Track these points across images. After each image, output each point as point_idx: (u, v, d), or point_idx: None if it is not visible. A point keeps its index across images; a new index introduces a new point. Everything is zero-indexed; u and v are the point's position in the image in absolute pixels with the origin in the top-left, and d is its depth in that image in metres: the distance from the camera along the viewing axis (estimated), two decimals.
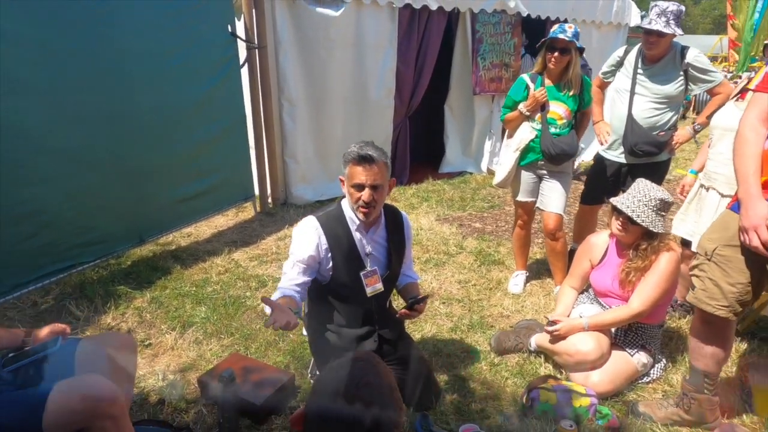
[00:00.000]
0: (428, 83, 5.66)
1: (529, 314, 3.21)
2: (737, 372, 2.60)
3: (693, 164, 3.20)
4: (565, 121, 3.15)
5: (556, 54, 3.02)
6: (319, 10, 4.61)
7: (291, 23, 4.56)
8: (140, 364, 2.50)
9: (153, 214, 3.70)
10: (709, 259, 1.99)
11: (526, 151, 3.22)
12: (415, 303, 2.12)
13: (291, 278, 2.01)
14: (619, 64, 3.38)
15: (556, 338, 2.55)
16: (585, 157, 6.91)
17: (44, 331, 1.83)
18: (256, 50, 4.38)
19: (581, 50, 3.09)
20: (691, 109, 11.30)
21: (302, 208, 4.91)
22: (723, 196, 2.71)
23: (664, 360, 2.65)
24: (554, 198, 3.25)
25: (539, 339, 2.69)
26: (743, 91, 2.76)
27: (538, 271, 3.81)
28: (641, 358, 2.53)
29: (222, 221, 4.56)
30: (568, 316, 2.66)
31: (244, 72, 4.38)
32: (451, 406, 2.35)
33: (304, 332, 2.40)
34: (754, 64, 11.38)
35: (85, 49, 3.05)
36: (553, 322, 2.56)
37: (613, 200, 2.53)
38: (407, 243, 2.30)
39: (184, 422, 2.19)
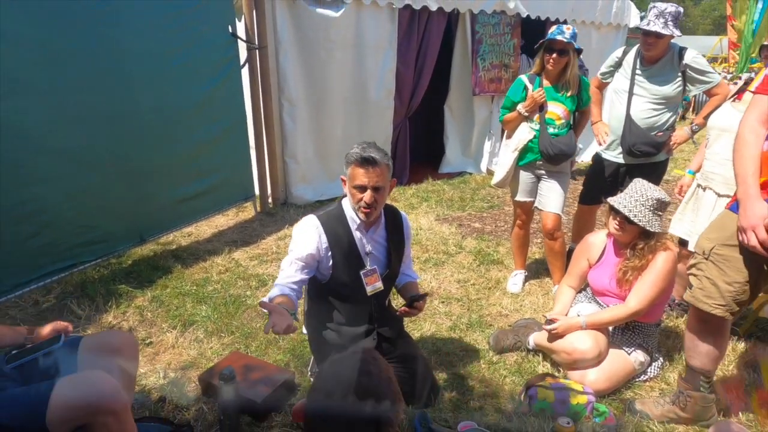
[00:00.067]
0: (428, 84, 5.68)
1: (528, 313, 3.23)
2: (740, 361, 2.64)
3: (690, 164, 3.22)
4: (563, 121, 3.17)
5: (554, 55, 3.04)
6: (320, 10, 4.63)
7: (291, 24, 4.58)
8: (141, 362, 2.51)
9: (154, 214, 3.72)
10: (706, 258, 2.01)
11: (524, 151, 3.24)
12: (415, 300, 2.15)
13: (288, 275, 2.03)
14: (618, 65, 3.40)
15: (554, 337, 2.56)
16: (584, 158, 6.92)
17: (47, 329, 1.85)
18: (257, 51, 4.40)
19: (579, 51, 3.11)
20: (691, 109, 11.31)
21: (302, 208, 4.93)
22: (719, 195, 2.73)
23: (661, 359, 2.67)
24: (552, 198, 3.27)
25: (537, 337, 2.71)
26: (740, 92, 2.78)
27: (537, 270, 3.83)
28: (638, 356, 2.54)
29: (222, 221, 4.58)
30: (566, 314, 2.68)
31: (245, 72, 4.40)
32: (450, 404, 2.37)
33: (304, 330, 2.42)
34: (754, 65, 11.39)
35: (86, 49, 3.07)
36: (551, 321, 2.58)
37: (611, 200, 2.54)
38: (406, 242, 2.32)
39: (185, 420, 2.21)
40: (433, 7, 5.27)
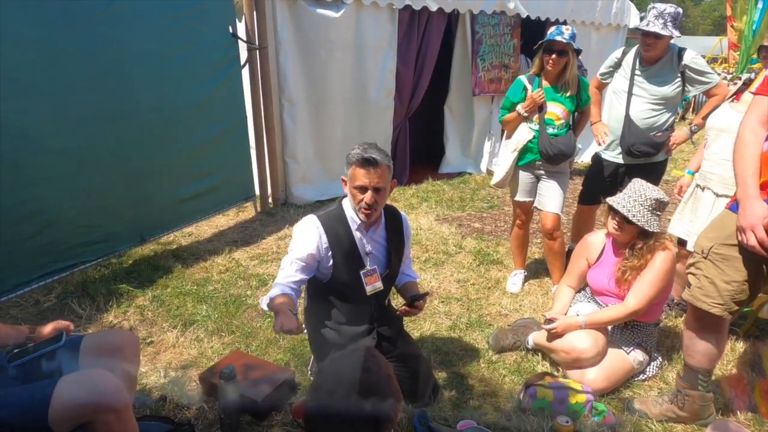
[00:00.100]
0: (428, 84, 5.69)
1: (527, 313, 3.24)
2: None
3: (689, 165, 3.23)
4: (562, 121, 3.18)
5: (553, 56, 3.05)
6: (320, 11, 4.64)
7: (291, 24, 4.59)
8: (142, 361, 2.52)
9: (154, 214, 3.73)
10: (705, 257, 2.02)
11: (524, 151, 3.25)
12: (415, 300, 2.16)
13: (288, 275, 2.04)
14: (617, 66, 3.41)
15: (553, 336, 2.57)
16: (583, 158, 6.92)
17: (48, 328, 1.86)
18: (257, 51, 4.41)
19: (578, 52, 3.12)
20: (691, 110, 11.32)
21: (302, 208, 4.94)
22: (718, 195, 2.74)
23: (659, 358, 2.68)
24: (552, 198, 3.28)
25: (537, 337, 2.72)
26: (739, 93, 2.79)
27: (537, 270, 3.84)
28: (637, 356, 2.55)
29: (223, 221, 4.59)
30: (566, 314, 2.69)
31: (245, 73, 4.41)
32: (449, 403, 2.38)
33: (304, 330, 2.43)
34: (754, 66, 11.39)
35: (87, 49, 3.07)
36: (550, 320, 2.59)
37: (610, 200, 2.55)
38: (406, 242, 2.33)
39: (186, 418, 2.22)
40: (433, 8, 5.28)
